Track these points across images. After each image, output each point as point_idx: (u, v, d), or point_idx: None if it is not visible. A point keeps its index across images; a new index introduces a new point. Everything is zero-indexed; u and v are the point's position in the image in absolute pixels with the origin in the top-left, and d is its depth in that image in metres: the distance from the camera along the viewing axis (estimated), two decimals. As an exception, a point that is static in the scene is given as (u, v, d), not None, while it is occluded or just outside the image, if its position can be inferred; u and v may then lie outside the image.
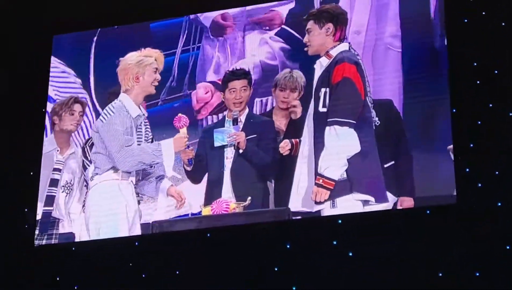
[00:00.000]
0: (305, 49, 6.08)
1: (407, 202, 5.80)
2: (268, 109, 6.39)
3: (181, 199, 6.20)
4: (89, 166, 6.39)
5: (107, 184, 6.04)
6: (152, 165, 6.10)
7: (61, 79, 6.92)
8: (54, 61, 6.94)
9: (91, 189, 6.12)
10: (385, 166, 5.88)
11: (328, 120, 5.80)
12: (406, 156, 5.90)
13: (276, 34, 6.51)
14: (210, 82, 6.58)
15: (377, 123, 5.93)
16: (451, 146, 5.82)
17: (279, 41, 6.48)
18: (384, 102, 6.01)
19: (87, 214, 6.15)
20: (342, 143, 5.77)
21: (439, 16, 6.09)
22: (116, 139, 6.00)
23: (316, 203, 5.81)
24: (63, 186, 6.53)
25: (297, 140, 6.06)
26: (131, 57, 6.23)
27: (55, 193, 6.51)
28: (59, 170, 6.56)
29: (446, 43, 6.00)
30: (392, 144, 5.94)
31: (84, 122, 6.68)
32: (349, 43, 6.03)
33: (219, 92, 6.44)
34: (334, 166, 5.76)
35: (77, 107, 6.67)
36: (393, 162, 5.90)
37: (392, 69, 6.13)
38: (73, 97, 6.72)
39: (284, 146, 6.07)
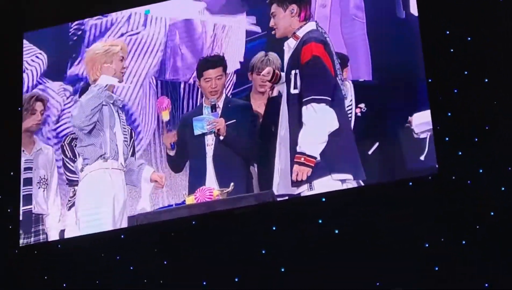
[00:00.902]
0: (273, 32, 6.04)
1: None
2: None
3: (163, 182, 6.22)
4: (70, 164, 6.38)
5: (97, 173, 6.03)
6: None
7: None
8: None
9: (81, 180, 6.10)
10: (369, 152, 5.91)
11: (304, 99, 5.77)
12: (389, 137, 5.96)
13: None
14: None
15: (364, 109, 5.97)
16: (411, 118, 5.86)
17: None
18: (367, 84, 6.05)
19: (76, 206, 6.15)
20: (321, 120, 5.74)
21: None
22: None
23: (296, 182, 5.76)
24: (38, 182, 6.51)
25: (278, 72, 6.02)
26: (97, 47, 6.28)
27: (31, 191, 6.49)
28: (30, 168, 6.55)
29: (417, 13, 6.01)
30: (374, 127, 5.98)
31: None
32: (316, 21, 6.00)
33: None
34: (314, 143, 5.74)
35: (38, 106, 6.66)
36: (377, 144, 5.93)
37: (359, 39, 6.16)
38: (34, 95, 6.69)
39: (265, 73, 6.02)
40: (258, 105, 6.28)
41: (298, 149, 5.76)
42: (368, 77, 6.11)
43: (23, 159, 6.58)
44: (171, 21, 6.61)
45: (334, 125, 5.75)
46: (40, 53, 6.82)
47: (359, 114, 5.98)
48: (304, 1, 5.97)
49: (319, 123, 5.75)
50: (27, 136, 6.63)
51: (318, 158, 5.72)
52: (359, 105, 5.99)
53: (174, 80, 6.54)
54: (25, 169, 6.56)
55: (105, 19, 6.72)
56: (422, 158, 5.78)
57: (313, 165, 5.71)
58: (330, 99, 5.76)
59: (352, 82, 6.07)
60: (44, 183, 6.52)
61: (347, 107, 5.97)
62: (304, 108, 5.78)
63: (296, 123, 5.82)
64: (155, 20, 6.63)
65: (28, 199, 6.49)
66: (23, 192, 6.52)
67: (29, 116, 6.64)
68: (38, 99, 6.66)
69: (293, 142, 5.81)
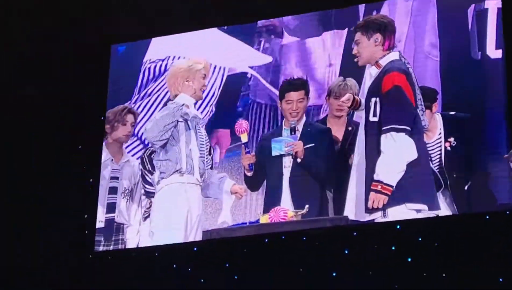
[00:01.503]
0: (355, 60, 6.10)
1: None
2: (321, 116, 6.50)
3: (243, 193, 6.30)
4: (148, 176, 6.52)
5: (173, 187, 6.13)
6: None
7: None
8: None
9: (157, 192, 6.19)
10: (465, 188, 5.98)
11: (384, 128, 5.80)
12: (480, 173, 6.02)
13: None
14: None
15: (453, 144, 6.05)
16: (507, 155, 5.89)
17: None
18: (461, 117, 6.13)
19: (151, 217, 6.27)
20: (400, 149, 5.76)
21: (476, 28, 6.22)
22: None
23: (371, 209, 5.78)
24: (122, 192, 6.67)
25: (358, 98, 6.07)
26: (181, 63, 6.40)
27: (115, 200, 6.65)
28: (117, 178, 6.70)
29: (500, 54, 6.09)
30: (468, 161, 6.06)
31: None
32: (399, 51, 6.06)
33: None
34: (392, 172, 5.75)
35: (130, 118, 6.81)
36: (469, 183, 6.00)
37: (431, 79, 6.26)
38: (126, 108, 6.87)
39: (345, 100, 6.06)
40: (335, 130, 6.36)
41: (375, 177, 5.77)
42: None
43: (110, 168, 6.74)
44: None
45: (413, 155, 5.76)
46: None
47: (448, 148, 6.04)
48: (388, 31, 5.99)
49: (397, 152, 5.76)
50: (116, 146, 6.80)
51: (395, 187, 5.74)
52: (449, 139, 6.06)
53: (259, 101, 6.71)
54: (112, 178, 6.72)
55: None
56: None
57: (389, 193, 5.72)
58: (409, 129, 5.77)
59: (442, 115, 6.14)
60: (127, 194, 6.67)
61: (437, 140, 6.05)
62: (383, 136, 5.80)
63: (373, 151, 5.83)
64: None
65: (112, 207, 6.65)
66: (108, 200, 6.68)
67: (119, 127, 6.80)
68: (130, 111, 6.84)
69: (370, 169, 5.82)
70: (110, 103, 6.95)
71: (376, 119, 5.85)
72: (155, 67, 7.02)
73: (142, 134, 6.68)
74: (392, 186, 5.73)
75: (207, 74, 6.33)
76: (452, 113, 6.15)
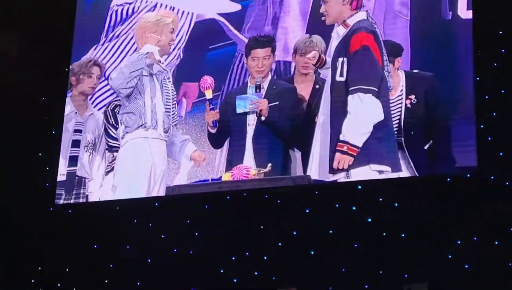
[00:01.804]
0: (322, 18, 6.04)
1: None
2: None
3: (201, 163, 6.28)
4: (111, 130, 6.47)
5: (137, 142, 6.08)
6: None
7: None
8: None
9: (122, 147, 6.15)
10: (425, 147, 5.93)
11: (351, 88, 5.77)
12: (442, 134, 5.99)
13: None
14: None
15: (414, 101, 6.00)
16: None
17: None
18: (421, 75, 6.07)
19: (115, 171, 6.23)
20: (367, 110, 5.75)
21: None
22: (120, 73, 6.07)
23: (334, 171, 5.76)
24: (85, 146, 6.61)
25: (324, 56, 6.05)
26: (149, 16, 6.31)
27: (78, 153, 6.59)
28: (80, 131, 6.65)
29: (470, 15, 6.03)
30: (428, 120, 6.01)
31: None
32: (367, 11, 6.01)
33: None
34: (359, 133, 5.74)
35: (96, 70, 6.73)
36: (431, 142, 5.96)
37: (401, 38, 6.19)
38: (92, 60, 6.78)
39: (311, 57, 6.05)
40: (302, 88, 6.30)
41: (341, 138, 5.75)
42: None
43: (74, 121, 6.68)
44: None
45: (379, 116, 5.74)
46: None
47: (409, 105, 6.01)
48: None
49: (365, 113, 5.74)
50: (81, 99, 6.73)
51: (360, 147, 5.72)
52: (410, 96, 6.04)
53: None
54: (75, 131, 6.67)
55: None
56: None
57: (355, 154, 5.70)
58: (376, 90, 5.75)
59: (405, 72, 6.09)
60: (90, 147, 6.62)
61: (397, 97, 6.01)
62: (350, 97, 5.77)
63: (340, 111, 5.81)
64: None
65: (74, 160, 6.60)
66: (70, 153, 6.62)
67: (85, 80, 6.72)
68: (95, 64, 6.76)
69: (335, 129, 5.80)
70: (78, 49, 6.88)
71: (343, 79, 5.83)
72: (122, 10, 6.91)
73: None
74: (358, 147, 5.72)
75: (175, 28, 6.28)
76: (416, 71, 6.11)
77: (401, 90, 6.03)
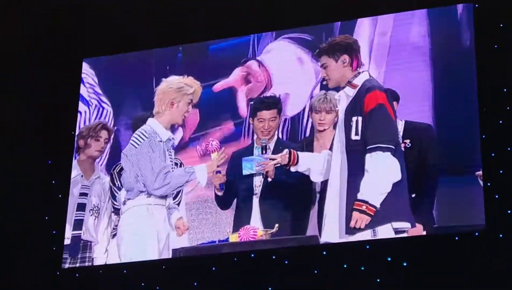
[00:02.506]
0: (324, 83, 6.07)
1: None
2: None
3: (185, 230, 6.19)
4: (117, 192, 6.46)
5: (139, 209, 6.02)
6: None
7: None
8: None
9: (123, 213, 6.09)
10: (413, 195, 5.92)
11: (368, 147, 5.73)
12: (431, 184, 6.02)
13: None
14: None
15: (408, 145, 6.00)
16: (479, 172, 5.88)
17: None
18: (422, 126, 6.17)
19: (119, 237, 6.14)
20: (386, 170, 5.71)
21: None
22: (152, 165, 5.98)
23: (352, 230, 5.69)
24: (91, 209, 6.61)
25: (295, 152, 6.02)
26: (173, 82, 6.20)
27: (83, 217, 6.58)
28: (86, 194, 6.65)
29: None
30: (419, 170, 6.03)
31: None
32: (368, 71, 6.02)
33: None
34: (377, 192, 5.68)
35: (104, 134, 6.75)
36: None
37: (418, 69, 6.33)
38: (101, 123, 6.81)
39: (282, 155, 6.01)
40: (322, 144, 6.29)
41: (359, 196, 5.68)
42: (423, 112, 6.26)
43: (80, 185, 6.68)
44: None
45: (398, 176, 5.71)
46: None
47: (402, 149, 5.97)
48: (354, 50, 5.98)
49: (383, 173, 5.70)
50: (88, 163, 6.75)
51: (379, 208, 5.67)
52: (405, 140, 6.05)
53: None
54: (81, 194, 6.66)
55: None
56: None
57: (373, 214, 5.65)
58: (394, 147, 5.73)
59: (405, 122, 6.16)
60: (96, 211, 6.62)
61: None
62: (368, 155, 5.72)
63: (357, 170, 5.76)
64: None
65: (79, 224, 6.59)
66: (75, 216, 6.62)
67: (93, 143, 6.75)
68: (104, 127, 6.78)
69: (353, 188, 5.73)
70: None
71: (358, 137, 5.79)
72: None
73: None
74: (376, 207, 5.66)
75: (194, 100, 6.16)
76: (417, 122, 6.19)
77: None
